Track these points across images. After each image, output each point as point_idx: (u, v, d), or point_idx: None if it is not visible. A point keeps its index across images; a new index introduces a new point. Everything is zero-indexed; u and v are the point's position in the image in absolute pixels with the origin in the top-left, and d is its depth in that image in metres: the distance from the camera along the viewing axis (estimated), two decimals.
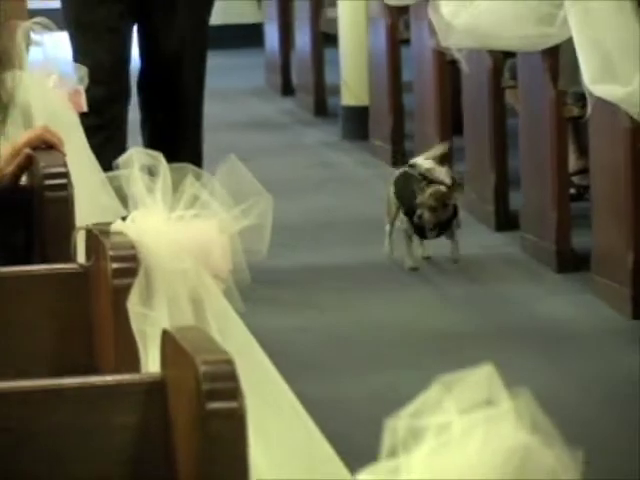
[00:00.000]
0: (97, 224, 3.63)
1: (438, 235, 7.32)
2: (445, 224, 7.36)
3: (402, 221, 7.50)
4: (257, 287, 3.77)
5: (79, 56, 5.92)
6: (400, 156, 9.43)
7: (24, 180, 4.22)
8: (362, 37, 10.04)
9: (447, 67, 8.73)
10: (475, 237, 7.79)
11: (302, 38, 11.21)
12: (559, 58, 7.32)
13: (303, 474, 2.80)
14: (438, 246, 7.54)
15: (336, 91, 10.39)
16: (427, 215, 7.13)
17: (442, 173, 7.19)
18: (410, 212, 7.51)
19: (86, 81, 5.15)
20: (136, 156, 3.63)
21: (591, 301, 6.62)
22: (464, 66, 8.31)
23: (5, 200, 4.14)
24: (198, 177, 3.65)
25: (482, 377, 2.19)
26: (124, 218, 3.59)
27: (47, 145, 4.24)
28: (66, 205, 4.05)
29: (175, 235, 3.51)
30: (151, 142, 6.35)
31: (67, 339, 3.56)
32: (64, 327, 3.57)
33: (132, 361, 3.32)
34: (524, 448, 2.15)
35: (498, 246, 7.61)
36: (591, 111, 7.09)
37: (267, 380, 3.51)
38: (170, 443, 2.88)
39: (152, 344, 3.18)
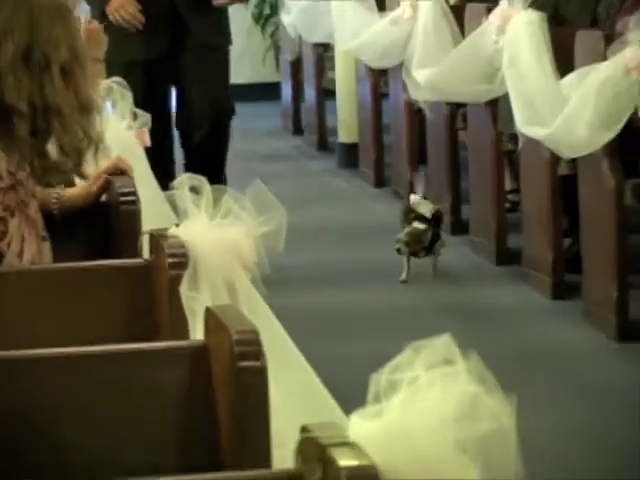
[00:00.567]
0: (157, 229, 3.67)
1: (426, 255, 7.15)
2: (429, 247, 7.14)
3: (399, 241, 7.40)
4: (274, 275, 3.78)
5: (140, 106, 5.87)
6: (381, 180, 9.37)
7: (104, 197, 4.24)
8: (353, 92, 9.95)
9: (415, 114, 8.69)
10: (476, 266, 7.66)
11: (309, 92, 11.14)
12: (498, 107, 7.27)
13: (307, 413, 2.81)
14: None
15: (334, 132, 10.33)
16: (403, 248, 7.00)
17: (425, 207, 7.07)
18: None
19: (149, 125, 5.15)
20: (186, 180, 3.66)
21: (521, 286, 6.57)
22: (428, 113, 8.34)
23: (91, 212, 4.19)
24: (231, 196, 3.66)
25: (442, 344, 2.23)
26: (177, 225, 3.60)
27: (121, 171, 4.24)
28: (135, 216, 4.12)
29: (214, 237, 3.61)
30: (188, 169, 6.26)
31: (134, 315, 3.58)
32: (132, 306, 3.60)
33: (183, 331, 3.36)
34: (473, 395, 2.20)
35: (453, 246, 7.54)
36: (521, 146, 7.04)
37: (281, 343, 3.57)
38: (211, 393, 2.95)
39: (198, 319, 3.22)
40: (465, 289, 6.37)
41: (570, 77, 6.43)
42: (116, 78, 5.25)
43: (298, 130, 11.31)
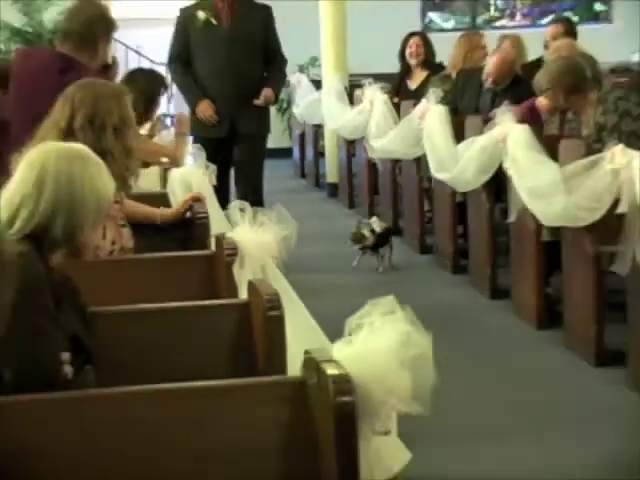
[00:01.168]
0: (220, 233, 3.61)
1: (372, 254, 6.87)
2: (374, 248, 6.73)
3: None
4: (288, 261, 3.72)
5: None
6: (352, 205, 9.28)
7: (189, 214, 4.19)
8: (335, 153, 9.85)
9: (372, 166, 8.56)
10: (406, 255, 7.47)
11: (309, 153, 11.02)
12: (420, 161, 7.20)
13: (307, 343, 2.75)
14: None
15: (324, 176, 10.23)
16: (349, 242, 6.80)
17: (377, 225, 6.91)
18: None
19: (215, 172, 5.07)
20: (236, 204, 3.60)
21: (469, 288, 6.30)
22: (379, 166, 8.22)
23: (180, 223, 4.13)
24: (263, 213, 3.61)
25: (388, 301, 2.20)
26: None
27: (198, 199, 4.19)
28: (207, 226, 4.08)
29: (253, 238, 3.52)
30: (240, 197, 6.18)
31: (204, 284, 3.59)
32: (203, 277, 3.62)
33: (233, 293, 3.31)
34: (407, 332, 2.14)
35: (420, 260, 7.28)
36: (434, 184, 6.97)
37: (293, 302, 3.49)
38: (251, 332, 2.85)
39: (243, 287, 3.18)
40: (423, 292, 6.13)
41: (462, 144, 6.36)
42: (198, 145, 5.21)
43: (303, 175, 11.26)
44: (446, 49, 8.28)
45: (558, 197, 5.00)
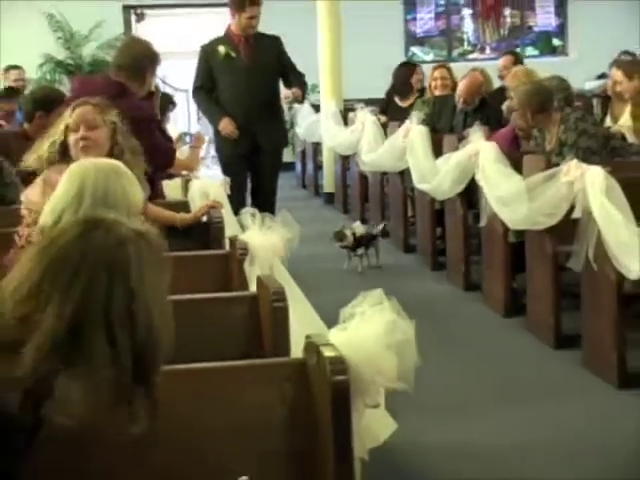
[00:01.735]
0: (233, 235, 3.62)
1: (354, 255, 6.60)
2: (354, 249, 6.61)
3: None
4: (291, 258, 3.71)
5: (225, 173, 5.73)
6: (347, 210, 9.27)
7: (205, 219, 4.18)
8: (332, 167, 9.83)
9: (363, 178, 8.55)
10: (393, 254, 7.46)
11: (309, 167, 11.01)
12: (404, 173, 7.18)
13: (308, 329, 2.75)
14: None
15: (322, 187, 10.22)
16: (333, 239, 6.79)
17: (360, 229, 6.87)
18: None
19: (229, 183, 5.07)
20: (247, 210, 3.58)
21: (446, 283, 6.27)
22: (369, 178, 8.26)
23: (198, 227, 4.11)
24: (271, 218, 3.58)
25: (376, 294, 2.16)
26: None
27: (213, 207, 4.18)
28: (221, 228, 4.07)
29: (262, 240, 3.49)
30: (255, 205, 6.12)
31: (220, 278, 3.54)
32: (218, 274, 3.57)
33: (244, 287, 3.31)
34: (393, 320, 2.12)
35: (405, 258, 7.26)
36: (416, 193, 6.96)
37: (295, 294, 3.47)
38: (260, 320, 2.83)
39: (252, 282, 3.14)
40: (405, 286, 6.04)
41: (441, 159, 6.33)
42: (214, 159, 5.23)
43: (304, 186, 11.25)
44: (426, 77, 8.47)
45: (522, 205, 5.00)
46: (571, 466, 3.52)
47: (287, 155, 12.21)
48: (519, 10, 13.46)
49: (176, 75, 12.22)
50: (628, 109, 6.13)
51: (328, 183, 10.07)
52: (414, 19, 13.33)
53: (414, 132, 6.87)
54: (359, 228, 6.71)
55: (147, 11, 12.71)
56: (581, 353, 4.62)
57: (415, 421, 3.74)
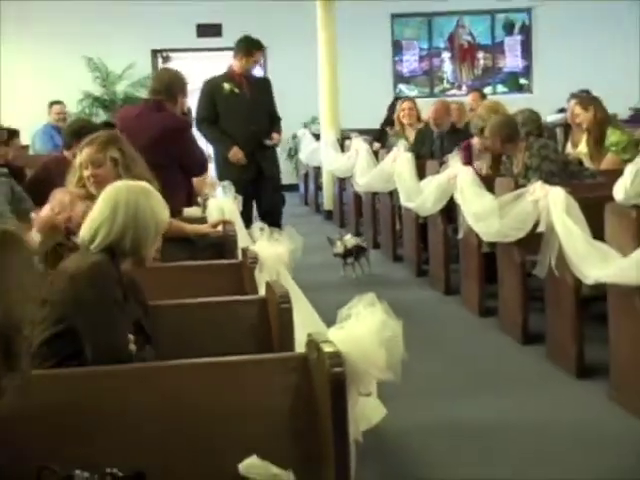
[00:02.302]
0: (245, 247, 3.60)
1: (345, 263, 6.54)
2: (344, 257, 6.53)
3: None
4: (296, 266, 3.69)
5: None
6: (343, 225, 9.22)
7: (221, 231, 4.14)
8: (331, 187, 9.81)
9: (358, 197, 8.53)
10: (383, 262, 7.41)
11: (311, 188, 10.97)
12: (393, 193, 7.17)
13: (309, 329, 2.74)
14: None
15: (322, 204, 10.18)
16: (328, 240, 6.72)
17: (350, 241, 6.84)
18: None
19: (241, 201, 5.02)
20: (257, 224, 3.60)
21: (428, 287, 6.17)
22: (363, 196, 8.25)
23: (214, 239, 4.06)
24: (278, 232, 3.55)
25: (369, 297, 2.14)
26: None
27: (224, 223, 4.15)
28: (235, 241, 4.03)
29: (270, 250, 3.47)
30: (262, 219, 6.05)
31: (233, 284, 3.43)
32: (232, 280, 3.47)
33: (254, 291, 3.29)
34: (384, 320, 2.09)
35: (393, 266, 7.23)
36: (403, 210, 6.95)
37: (298, 297, 3.46)
38: (268, 320, 2.84)
39: (262, 287, 3.11)
40: (388, 288, 6.01)
41: (424, 181, 6.30)
42: (227, 182, 5.16)
43: (306, 204, 11.20)
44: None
45: (494, 220, 4.99)
46: (536, 443, 3.52)
47: (291, 177, 12.26)
48: (491, 54, 13.51)
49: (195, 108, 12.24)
50: (585, 137, 6.15)
51: (327, 201, 9.94)
52: (401, 60, 13.37)
53: (401, 158, 6.89)
54: (350, 241, 6.62)
55: (172, 54, 12.78)
56: (545, 348, 4.60)
57: (402, 407, 3.72)
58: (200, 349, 2.58)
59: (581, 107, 6.12)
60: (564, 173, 5.45)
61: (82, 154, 3.51)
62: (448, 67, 13.58)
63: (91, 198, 3.38)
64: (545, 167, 5.42)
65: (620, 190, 3.75)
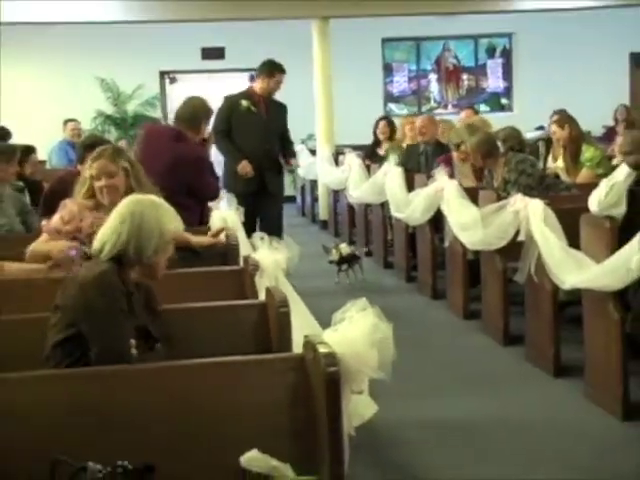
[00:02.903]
0: (246, 254, 3.56)
1: (339, 270, 6.51)
2: (339, 265, 6.52)
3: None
4: (293, 272, 3.68)
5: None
6: (338, 234, 9.20)
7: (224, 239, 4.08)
8: (326, 199, 9.81)
9: (351, 208, 8.52)
10: (374, 269, 7.37)
11: (307, 199, 10.97)
12: (384, 204, 7.17)
13: (306, 331, 2.72)
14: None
15: (318, 214, 10.18)
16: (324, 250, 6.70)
17: (345, 249, 6.84)
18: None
19: (243, 212, 4.98)
20: (257, 234, 3.56)
21: (416, 292, 6.19)
22: (356, 208, 8.25)
23: (218, 249, 3.99)
24: (277, 241, 3.54)
25: (361, 302, 2.14)
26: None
27: (228, 229, 4.12)
28: (237, 250, 3.95)
29: (269, 257, 3.44)
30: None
31: (235, 289, 3.35)
32: (235, 285, 3.38)
33: (255, 296, 3.28)
34: (375, 323, 2.09)
35: (384, 273, 7.21)
36: (394, 220, 6.94)
37: (296, 302, 3.43)
38: (268, 323, 2.81)
39: (262, 292, 3.10)
40: (380, 294, 5.94)
41: (412, 193, 6.30)
42: (230, 194, 5.12)
43: (303, 214, 11.19)
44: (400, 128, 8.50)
45: (477, 230, 4.99)
46: (516, 438, 3.53)
47: (289, 189, 12.23)
48: (474, 75, 13.55)
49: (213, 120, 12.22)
50: (562, 152, 6.17)
51: (323, 212, 9.97)
52: (391, 82, 13.40)
53: (391, 172, 6.90)
54: (345, 249, 6.59)
55: (178, 75, 12.81)
56: (524, 349, 4.59)
57: (392, 404, 3.72)
58: (204, 350, 2.58)
59: (557, 125, 6.15)
60: (541, 186, 5.46)
61: (93, 166, 3.45)
62: (435, 87, 13.62)
63: (100, 208, 3.37)
64: (522, 181, 5.43)
65: (595, 202, 3.76)
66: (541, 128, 10.22)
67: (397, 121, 9.01)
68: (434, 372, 4.46)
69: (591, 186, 4.11)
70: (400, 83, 13.49)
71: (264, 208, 6.44)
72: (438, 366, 4.57)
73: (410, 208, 6.23)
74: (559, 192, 5.44)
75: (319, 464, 2.18)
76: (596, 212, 3.76)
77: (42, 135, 9.50)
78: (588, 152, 6.01)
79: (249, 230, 5.47)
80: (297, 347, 2.55)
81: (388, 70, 13.37)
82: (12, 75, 11.52)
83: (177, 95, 12.80)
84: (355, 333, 2.18)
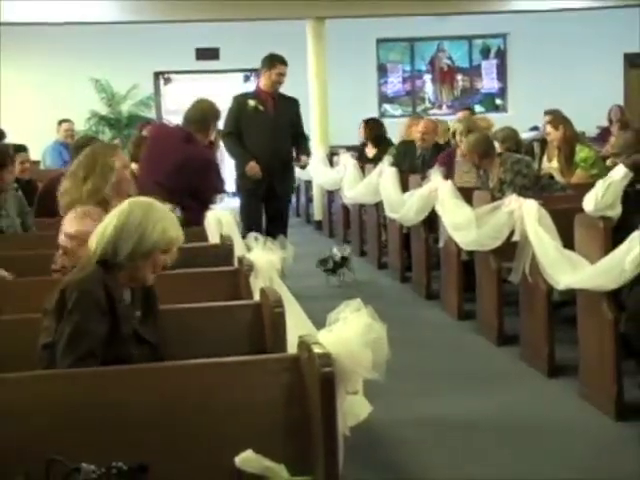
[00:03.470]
0: (241, 255, 3.56)
1: (331, 274, 6.55)
2: (333, 270, 6.55)
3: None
4: (288, 272, 3.68)
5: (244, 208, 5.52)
6: (332, 234, 9.22)
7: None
8: (320, 200, 9.82)
9: (345, 208, 8.54)
10: (368, 270, 7.40)
11: (302, 199, 10.90)
12: (379, 204, 7.17)
13: (301, 331, 2.71)
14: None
15: (313, 215, 10.19)
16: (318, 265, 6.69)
17: (338, 256, 6.61)
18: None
19: (237, 215, 4.96)
20: (252, 235, 3.54)
21: (411, 293, 6.23)
22: (351, 208, 8.27)
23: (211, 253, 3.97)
24: (271, 241, 3.53)
25: (356, 303, 2.14)
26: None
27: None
28: (232, 250, 3.91)
29: (264, 258, 3.43)
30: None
31: (232, 289, 3.33)
32: (230, 285, 3.35)
33: (250, 296, 3.25)
34: (369, 323, 2.09)
35: (378, 273, 7.19)
36: (388, 221, 6.95)
37: (290, 302, 3.41)
38: (262, 323, 2.81)
39: (256, 292, 3.10)
40: (372, 289, 5.97)
41: (407, 193, 6.31)
42: (228, 195, 5.11)
43: (298, 215, 11.20)
44: (396, 128, 8.54)
45: (472, 230, 5.00)
46: (510, 436, 3.55)
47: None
48: (469, 76, 13.60)
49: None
50: (556, 153, 6.19)
51: (317, 213, 9.99)
52: (386, 82, 13.42)
53: (386, 172, 6.92)
54: (337, 256, 6.57)
55: (172, 76, 12.80)
56: (519, 349, 4.61)
57: (387, 404, 3.73)
58: (198, 350, 2.57)
59: (552, 126, 6.17)
60: (536, 187, 5.49)
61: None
62: (429, 88, 13.65)
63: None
64: (518, 181, 5.46)
65: (590, 202, 3.76)
66: (535, 129, 10.24)
67: (391, 121, 9.06)
68: (429, 372, 4.47)
69: (585, 187, 4.14)
70: (394, 84, 13.51)
71: (272, 207, 6.41)
72: (433, 366, 4.57)
73: (405, 208, 6.23)
74: (554, 193, 5.46)
75: (314, 464, 2.18)
76: (591, 212, 3.75)
77: (36, 135, 9.46)
78: (582, 153, 6.03)
79: (255, 226, 5.40)
80: (292, 347, 2.54)
81: (382, 71, 13.39)
82: (6, 76, 11.52)
83: (172, 96, 12.82)
84: (349, 333, 2.18)
